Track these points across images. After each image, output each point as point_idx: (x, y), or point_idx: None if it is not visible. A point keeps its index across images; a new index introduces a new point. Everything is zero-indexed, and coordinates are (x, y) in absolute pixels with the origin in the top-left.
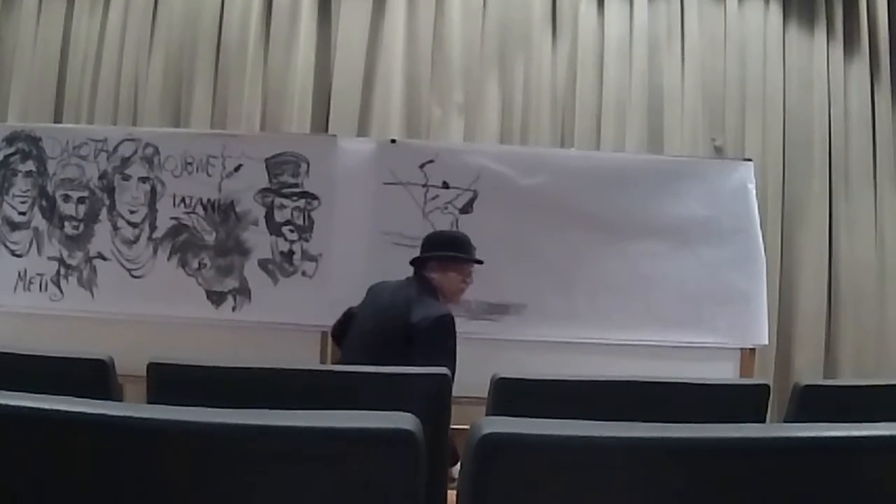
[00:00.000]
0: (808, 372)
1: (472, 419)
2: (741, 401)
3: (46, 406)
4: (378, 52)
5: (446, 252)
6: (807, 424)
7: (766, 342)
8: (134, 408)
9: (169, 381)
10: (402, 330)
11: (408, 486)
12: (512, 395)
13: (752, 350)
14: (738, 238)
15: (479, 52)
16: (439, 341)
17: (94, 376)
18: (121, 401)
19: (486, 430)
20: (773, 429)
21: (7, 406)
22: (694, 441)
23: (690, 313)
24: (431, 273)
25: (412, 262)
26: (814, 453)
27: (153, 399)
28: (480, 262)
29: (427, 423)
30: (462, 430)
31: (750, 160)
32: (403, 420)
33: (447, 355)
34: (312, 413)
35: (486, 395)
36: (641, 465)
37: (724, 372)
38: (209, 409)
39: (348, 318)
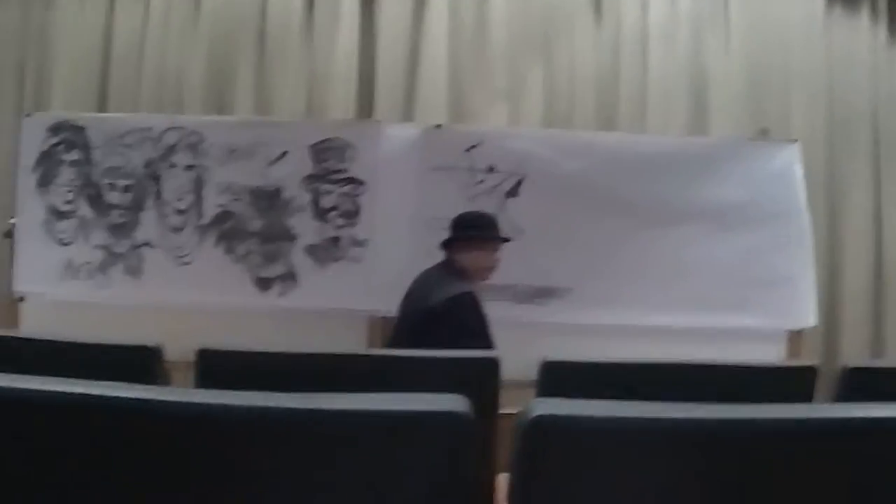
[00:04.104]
0: (856, 354)
1: (521, 402)
2: (788, 383)
3: (97, 392)
4: (421, 36)
5: (470, 232)
6: (856, 405)
7: (814, 324)
8: (186, 393)
9: (217, 367)
10: (423, 314)
11: (458, 467)
12: (560, 377)
13: (799, 332)
14: (783, 220)
15: (522, 36)
16: (457, 321)
17: (142, 363)
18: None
19: (538, 412)
20: (823, 409)
21: (58, 392)
22: (743, 422)
23: (735, 296)
24: (458, 254)
25: (441, 246)
26: (863, 434)
27: (201, 385)
28: (506, 240)
29: (476, 406)
30: (508, 414)
31: (796, 141)
32: (454, 402)
33: (468, 334)
34: (362, 396)
35: (532, 378)
36: (691, 445)
37: (771, 354)
38: (258, 394)
39: None
